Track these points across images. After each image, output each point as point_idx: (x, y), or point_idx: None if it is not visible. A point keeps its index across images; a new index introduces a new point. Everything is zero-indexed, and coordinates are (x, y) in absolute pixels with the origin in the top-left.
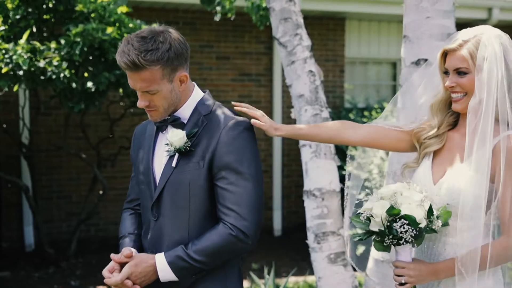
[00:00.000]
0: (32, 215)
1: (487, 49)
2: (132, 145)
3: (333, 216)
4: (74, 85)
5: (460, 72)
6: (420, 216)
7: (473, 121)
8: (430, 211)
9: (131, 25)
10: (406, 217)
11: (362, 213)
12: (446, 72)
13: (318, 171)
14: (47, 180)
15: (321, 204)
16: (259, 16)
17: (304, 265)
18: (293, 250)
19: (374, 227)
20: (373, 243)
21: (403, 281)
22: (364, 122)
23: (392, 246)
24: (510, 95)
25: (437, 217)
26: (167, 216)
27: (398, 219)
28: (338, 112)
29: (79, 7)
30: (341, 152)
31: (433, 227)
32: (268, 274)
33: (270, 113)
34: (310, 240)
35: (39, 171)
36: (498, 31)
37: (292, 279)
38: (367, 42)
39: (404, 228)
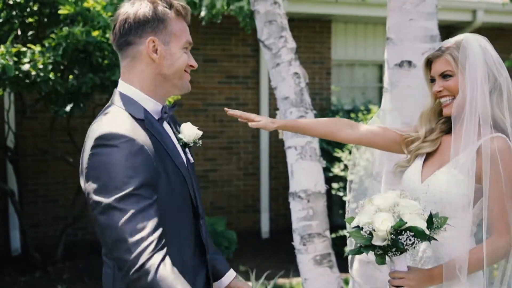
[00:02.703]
0: (18, 219)
1: (468, 50)
2: (149, 162)
3: (319, 218)
4: (58, 88)
5: (445, 76)
6: (424, 225)
7: (458, 122)
8: (430, 220)
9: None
10: (412, 229)
11: (361, 228)
12: (432, 80)
13: (304, 173)
14: (33, 184)
15: (307, 206)
16: (247, 20)
17: (292, 267)
18: (281, 252)
19: (377, 241)
20: (375, 257)
21: None
22: None
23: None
24: (493, 97)
25: (438, 226)
26: (203, 211)
27: (403, 232)
28: (325, 114)
29: (63, 10)
30: (327, 154)
31: (436, 236)
32: (256, 279)
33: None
34: (296, 241)
35: (25, 175)
36: (477, 36)
37: (279, 281)
38: (353, 44)
39: (410, 240)
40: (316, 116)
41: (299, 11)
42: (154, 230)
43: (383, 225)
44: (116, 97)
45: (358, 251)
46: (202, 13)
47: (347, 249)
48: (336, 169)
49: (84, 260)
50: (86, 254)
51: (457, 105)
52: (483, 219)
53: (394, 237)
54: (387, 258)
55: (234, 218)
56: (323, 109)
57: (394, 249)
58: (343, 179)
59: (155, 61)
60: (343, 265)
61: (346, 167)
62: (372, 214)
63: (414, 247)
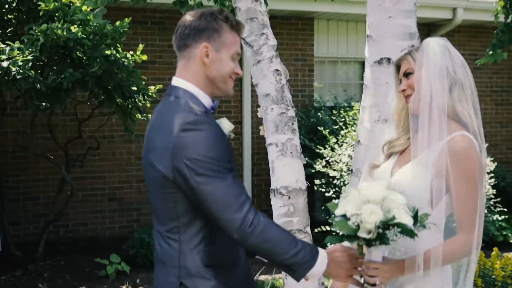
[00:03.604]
0: None
1: (425, 48)
2: (229, 143)
3: (300, 214)
4: (38, 86)
5: (407, 74)
6: (410, 222)
7: (421, 119)
8: (415, 216)
9: (96, 23)
10: (400, 225)
11: (349, 218)
12: (401, 82)
13: (284, 170)
14: (13, 181)
15: (288, 202)
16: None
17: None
18: None
19: (363, 233)
20: (357, 247)
21: (377, 282)
22: (333, 120)
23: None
24: (454, 93)
25: (421, 222)
26: None
27: (390, 227)
28: (307, 111)
29: (42, 6)
30: (309, 150)
31: (418, 232)
32: None
33: (240, 112)
34: None
35: (5, 172)
36: (439, 38)
37: (261, 277)
38: (335, 42)
39: (396, 236)
40: (296, 112)
41: (281, 9)
42: (246, 193)
43: (371, 218)
44: (179, 92)
45: (340, 239)
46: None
47: (328, 238)
48: (318, 166)
49: (66, 258)
50: (68, 251)
51: (416, 99)
52: (438, 215)
53: (381, 231)
54: (367, 249)
55: None
56: (305, 106)
57: (378, 242)
58: (325, 176)
59: (206, 64)
60: None
61: (328, 163)
62: (360, 205)
63: (397, 242)
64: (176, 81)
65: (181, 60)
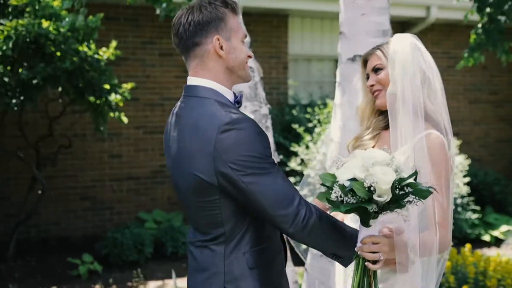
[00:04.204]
0: None
1: (396, 45)
2: (269, 143)
3: None
4: (6, 79)
5: (376, 70)
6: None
7: (393, 115)
8: (415, 179)
9: (67, 19)
10: (412, 185)
11: (362, 179)
12: (368, 78)
13: None
14: None
15: None
16: None
17: None
18: None
19: (379, 197)
20: (363, 216)
21: (381, 257)
22: (307, 118)
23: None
24: (424, 90)
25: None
26: None
27: (405, 187)
28: (282, 108)
29: (12, 1)
30: (284, 148)
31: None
32: None
33: None
34: None
35: None
36: (408, 34)
37: None
38: (310, 39)
39: (410, 197)
40: (270, 110)
41: (256, 6)
42: (293, 185)
43: (387, 177)
44: (200, 91)
45: (350, 207)
46: (157, 11)
47: (335, 207)
48: (293, 164)
49: (37, 258)
50: (39, 251)
51: (389, 95)
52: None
53: (398, 192)
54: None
55: None
56: (280, 103)
57: (390, 208)
58: (299, 174)
59: (222, 56)
60: (298, 259)
61: (302, 161)
62: (367, 168)
63: (407, 208)
64: (193, 80)
65: (193, 60)
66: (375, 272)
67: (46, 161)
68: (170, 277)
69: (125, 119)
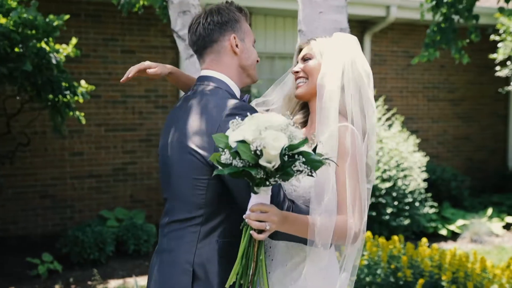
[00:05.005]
0: None
1: (331, 41)
2: None
3: None
4: None
5: (306, 59)
6: (313, 154)
7: (314, 110)
8: (314, 150)
9: (25, 15)
10: (304, 154)
11: (251, 141)
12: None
13: None
14: None
15: None
16: (162, 10)
17: None
18: None
19: (266, 162)
20: (252, 182)
21: (267, 227)
22: None
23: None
24: (348, 95)
25: (323, 158)
26: None
27: (296, 156)
28: None
29: None
30: None
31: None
32: None
33: None
34: None
35: None
36: (349, 35)
37: None
38: (273, 37)
39: (300, 166)
40: None
41: (219, 3)
42: None
43: (278, 143)
44: (214, 80)
45: (236, 171)
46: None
47: (219, 170)
48: None
49: None
50: None
51: (310, 87)
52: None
53: (286, 159)
54: (256, 190)
55: (153, 211)
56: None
57: (278, 175)
58: None
59: (237, 53)
60: None
61: None
62: (261, 131)
63: (296, 176)
64: (207, 72)
65: (208, 55)
66: (261, 242)
67: (4, 159)
68: (131, 275)
69: (83, 120)
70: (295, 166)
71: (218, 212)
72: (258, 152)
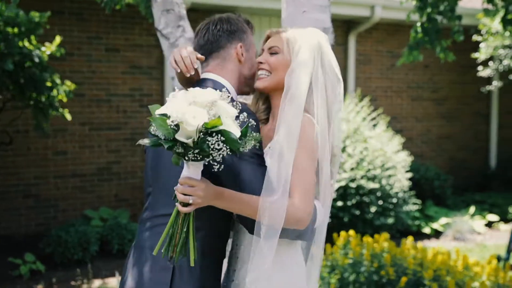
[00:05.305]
0: None
1: (303, 38)
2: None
3: None
4: None
5: (272, 53)
6: (237, 134)
7: (277, 106)
8: (245, 131)
9: (7, 13)
10: (224, 133)
11: (168, 115)
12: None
13: None
14: None
15: None
16: (146, 8)
17: None
18: None
19: (182, 137)
20: (173, 154)
21: (190, 201)
22: None
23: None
24: (312, 95)
25: (254, 139)
26: None
27: (214, 134)
28: None
29: None
30: None
31: (245, 149)
32: None
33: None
34: None
35: None
36: (320, 32)
37: None
38: (258, 37)
39: (218, 145)
40: None
41: (204, 2)
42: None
43: (195, 120)
44: (215, 83)
45: (156, 143)
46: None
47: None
48: None
49: None
50: None
51: (273, 82)
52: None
53: (202, 136)
54: (185, 162)
55: (138, 210)
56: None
57: (196, 151)
58: None
59: (241, 62)
60: None
61: None
62: (186, 106)
63: (221, 156)
64: (210, 75)
65: (214, 60)
66: (187, 214)
67: None
68: (116, 275)
69: (68, 116)
70: (212, 144)
71: (203, 212)
72: (174, 126)
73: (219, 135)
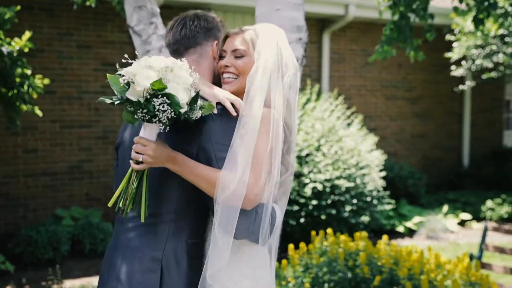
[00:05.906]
0: None
1: (265, 39)
2: None
3: None
4: None
5: (238, 56)
6: (184, 100)
7: (244, 101)
8: (194, 99)
9: None
10: (170, 96)
11: (123, 75)
12: (221, 57)
13: None
14: None
15: None
16: (117, 4)
17: None
18: None
19: (132, 96)
20: (124, 112)
21: (140, 159)
22: None
23: (141, 121)
24: (275, 91)
25: (200, 108)
26: None
27: (160, 96)
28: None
29: None
30: None
31: (192, 116)
32: None
33: None
34: None
35: None
36: (277, 28)
37: None
38: None
39: (163, 107)
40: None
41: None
42: None
43: (144, 81)
44: None
45: (109, 99)
46: None
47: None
48: None
49: None
50: None
51: (242, 86)
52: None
53: (149, 97)
54: (143, 124)
55: (110, 210)
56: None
57: (145, 111)
58: None
59: (215, 59)
60: None
61: None
62: (140, 69)
63: (166, 118)
64: None
65: (190, 56)
66: (139, 172)
67: None
68: (87, 275)
69: (39, 112)
70: (158, 105)
71: (188, 209)
72: (125, 85)
73: (165, 97)
